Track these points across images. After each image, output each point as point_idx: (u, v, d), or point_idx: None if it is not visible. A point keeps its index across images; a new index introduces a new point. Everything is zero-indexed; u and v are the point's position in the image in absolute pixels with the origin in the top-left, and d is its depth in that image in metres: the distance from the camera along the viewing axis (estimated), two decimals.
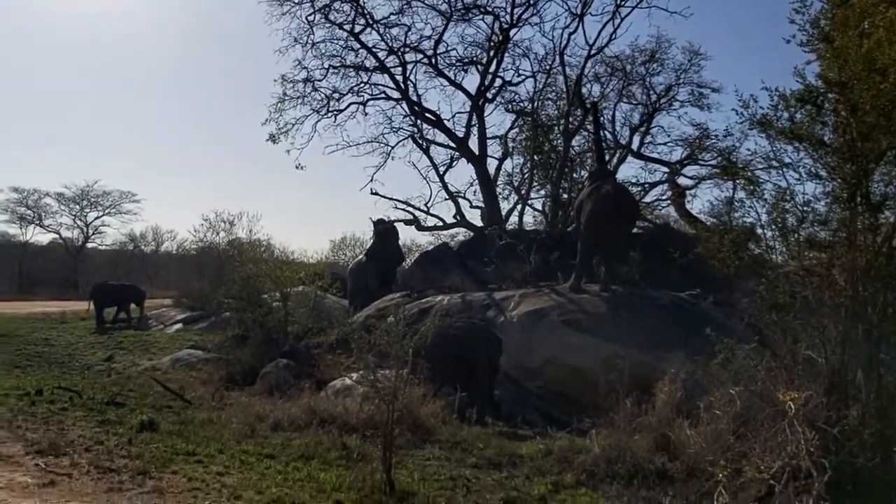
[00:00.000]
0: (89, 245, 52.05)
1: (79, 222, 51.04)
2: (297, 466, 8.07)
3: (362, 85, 26.83)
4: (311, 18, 25.39)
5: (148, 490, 6.98)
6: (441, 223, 27.53)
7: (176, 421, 10.28)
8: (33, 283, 43.66)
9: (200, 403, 11.94)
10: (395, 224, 25.45)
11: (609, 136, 26.23)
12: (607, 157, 24.02)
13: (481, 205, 26.51)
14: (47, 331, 22.42)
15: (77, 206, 50.39)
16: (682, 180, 25.49)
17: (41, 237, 50.73)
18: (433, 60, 26.41)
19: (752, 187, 10.55)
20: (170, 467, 7.76)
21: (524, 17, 25.76)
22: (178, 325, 23.98)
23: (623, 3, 23.85)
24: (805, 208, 9.11)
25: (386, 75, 26.51)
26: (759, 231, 10.57)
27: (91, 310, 24.74)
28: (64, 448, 8.30)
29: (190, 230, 64.65)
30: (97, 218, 51.31)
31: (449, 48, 26.97)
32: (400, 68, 26.38)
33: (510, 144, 27.84)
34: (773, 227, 9.54)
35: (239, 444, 8.98)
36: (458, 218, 26.75)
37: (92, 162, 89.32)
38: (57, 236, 50.89)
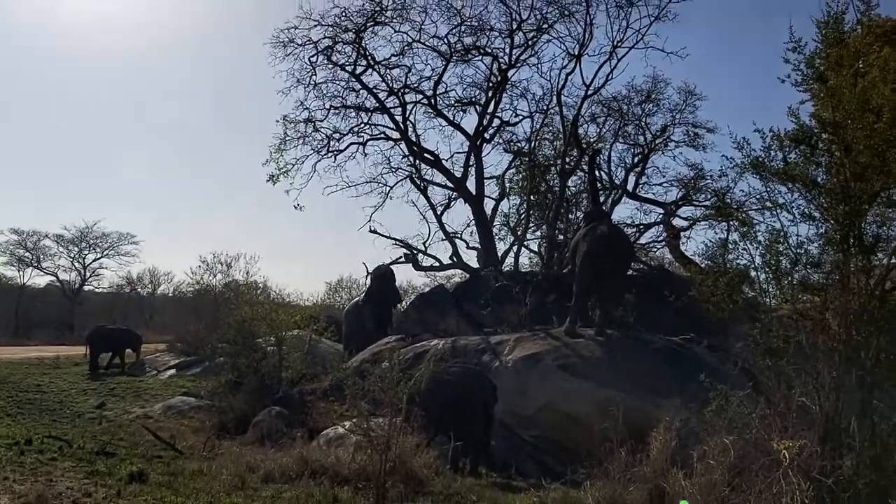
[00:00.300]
0: (86, 287, 51.91)
1: (77, 264, 51.03)
2: None
3: (362, 125, 27.15)
4: (313, 60, 25.81)
5: None
6: (438, 264, 27.58)
7: (166, 472, 10.15)
8: (29, 327, 43.47)
9: (191, 453, 11.81)
10: (393, 264, 25.55)
11: (604, 176, 26.40)
12: (602, 198, 24.15)
13: (478, 245, 26.60)
14: (40, 376, 22.19)
15: (76, 248, 50.41)
16: (676, 221, 25.55)
17: (38, 279, 50.70)
18: (432, 101, 26.76)
19: (745, 229, 10.55)
20: None
21: (522, 58, 26.23)
22: (172, 371, 23.80)
23: (619, 44, 24.28)
24: (798, 250, 9.10)
25: (386, 116, 26.83)
26: (753, 273, 10.55)
27: (87, 355, 24.60)
28: (51, 501, 8.19)
29: (187, 272, 64.57)
30: (95, 260, 51.30)
31: (448, 89, 27.41)
32: (400, 109, 26.74)
33: (507, 185, 28.08)
34: (767, 269, 9.53)
35: (229, 497, 8.87)
36: (455, 259, 26.83)
37: (91, 203, 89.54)
38: (54, 279, 50.83)
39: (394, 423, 8.25)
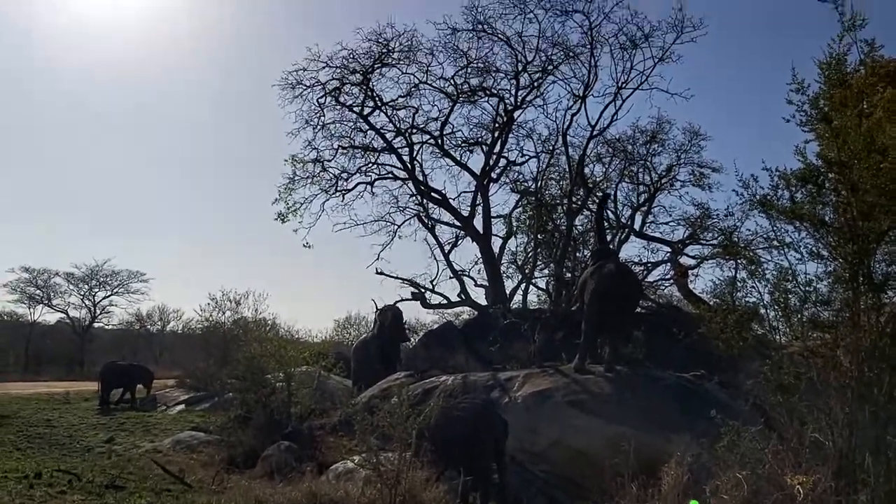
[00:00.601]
0: (96, 325, 52.04)
1: (87, 302, 51.17)
2: None
3: (370, 165, 27.37)
4: (321, 101, 26.11)
5: None
6: (446, 301, 27.62)
7: None
8: (39, 363, 43.51)
9: (200, 487, 11.80)
10: (400, 302, 25.62)
11: (611, 215, 26.50)
12: (609, 237, 24.24)
13: (486, 283, 26.61)
14: (50, 411, 22.24)
15: (86, 286, 50.66)
16: (684, 260, 25.58)
17: (49, 317, 50.82)
18: (439, 141, 27.00)
19: (753, 267, 10.59)
20: None
21: (528, 99, 26.49)
22: (181, 406, 23.83)
23: (624, 85, 24.53)
24: (807, 288, 9.12)
25: (393, 155, 27.06)
26: (763, 311, 10.57)
27: (99, 390, 24.69)
28: None
29: (196, 309, 64.62)
30: (105, 297, 51.48)
31: (455, 129, 27.64)
32: (407, 149, 26.99)
33: (514, 223, 28.18)
34: (776, 307, 9.55)
35: None
36: (463, 297, 26.85)
37: (100, 241, 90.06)
38: (64, 316, 50.98)
39: (403, 458, 8.24)
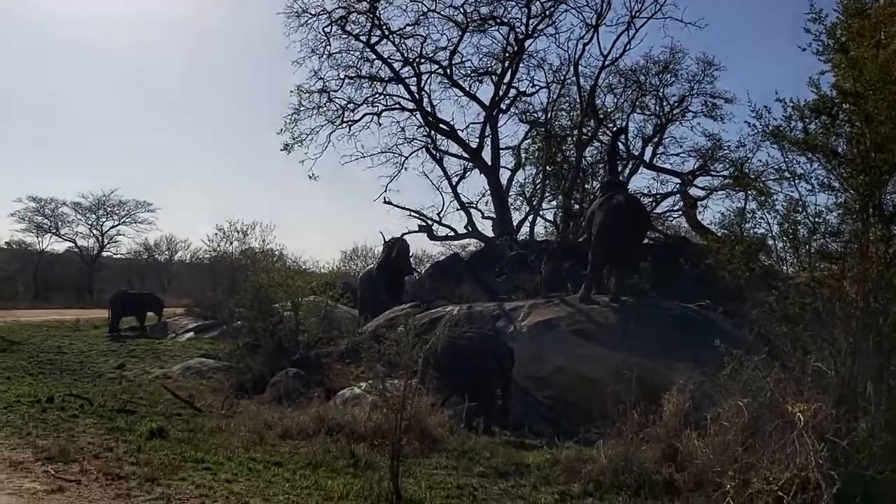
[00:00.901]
0: (104, 254, 52.49)
1: (94, 231, 51.54)
2: (304, 474, 8.09)
3: (377, 95, 27.03)
4: (327, 30, 25.63)
5: (156, 497, 7.02)
6: (453, 233, 27.64)
7: (185, 429, 10.33)
8: (49, 291, 43.96)
9: (210, 411, 11.98)
10: (407, 234, 25.63)
11: (622, 146, 26.20)
12: (619, 168, 24.03)
13: (493, 215, 26.56)
14: (60, 338, 22.57)
15: (93, 216, 50.91)
16: (693, 191, 25.42)
17: (57, 246, 51.24)
18: (448, 71, 26.55)
19: (763, 198, 10.49)
20: (178, 474, 7.80)
21: (539, 27, 25.93)
22: (190, 334, 24.13)
23: (638, 14, 23.97)
24: (817, 219, 9.06)
25: (401, 86, 26.70)
26: (771, 242, 10.52)
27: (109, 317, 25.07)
28: (73, 455, 8.35)
29: (204, 239, 65.01)
30: (113, 227, 51.81)
31: (464, 59, 27.20)
32: (415, 79, 26.60)
33: (523, 155, 27.95)
34: (785, 238, 9.50)
35: (247, 452, 9.00)
36: (470, 228, 26.82)
37: (108, 171, 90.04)
38: (73, 245, 51.40)
39: (409, 385, 8.33)
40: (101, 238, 51.63)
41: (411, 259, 24.46)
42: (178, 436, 9.77)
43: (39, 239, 49.73)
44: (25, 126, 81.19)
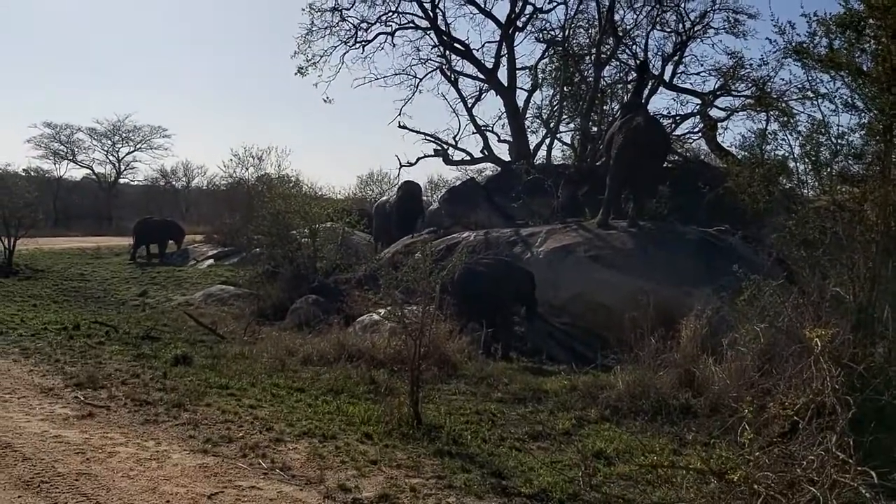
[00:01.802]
0: (122, 181, 52.68)
1: (111, 158, 51.64)
2: (326, 400, 8.28)
3: (390, 14, 26.27)
4: None
5: (183, 422, 7.22)
6: (469, 157, 27.34)
7: (209, 355, 10.54)
8: (68, 219, 44.27)
9: (232, 338, 12.19)
10: (422, 159, 25.51)
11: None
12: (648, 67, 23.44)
13: (509, 139, 26.20)
14: (82, 266, 22.89)
15: (109, 142, 50.93)
16: (714, 112, 24.88)
17: (75, 173, 51.41)
18: None
19: (785, 119, 10.30)
20: (203, 400, 8.01)
21: None
22: (210, 261, 24.35)
23: None
24: (839, 141, 8.91)
25: (414, 3, 25.95)
26: (792, 164, 10.38)
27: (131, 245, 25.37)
28: (101, 381, 8.58)
29: (220, 165, 64.95)
30: (129, 153, 51.89)
31: None
32: None
33: (540, 75, 27.27)
34: (806, 160, 9.36)
35: (270, 378, 9.19)
36: (486, 152, 26.50)
37: (122, 96, 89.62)
38: (90, 172, 51.54)
39: (427, 311, 8.41)
40: (117, 164, 51.81)
41: (421, 200, 24.21)
42: (202, 362, 9.98)
43: (56, 166, 49.96)
44: (37, 50, 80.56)
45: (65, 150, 49.63)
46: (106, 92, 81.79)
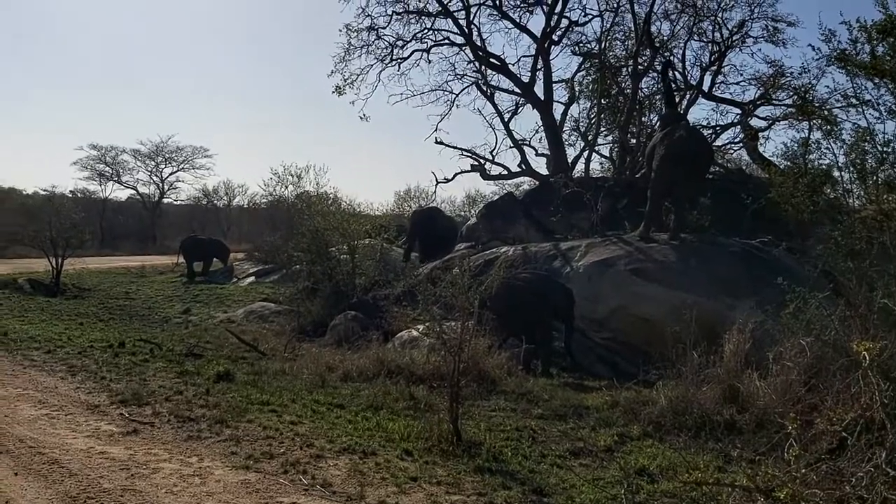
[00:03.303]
0: (165, 200, 53.76)
1: (154, 178, 52.67)
2: (366, 416, 8.28)
3: (426, 31, 26.50)
4: None
5: (225, 438, 7.28)
6: (506, 172, 27.33)
7: (250, 372, 10.64)
8: (114, 239, 45.20)
9: (273, 354, 12.29)
10: (459, 174, 25.58)
11: (678, 76, 25.33)
12: (677, 100, 23.31)
13: (547, 152, 26.16)
14: (127, 285, 23.35)
15: (152, 162, 51.97)
16: (754, 122, 24.54)
17: (120, 193, 52.59)
18: (497, 2, 25.88)
19: (829, 127, 10.14)
20: (245, 416, 8.07)
21: None
22: (251, 279, 24.68)
23: None
24: (885, 149, 8.75)
25: (449, 20, 26.12)
26: (836, 174, 10.21)
27: (180, 262, 25.84)
28: (146, 398, 8.71)
29: (260, 184, 65.94)
30: (172, 173, 52.90)
31: None
32: (463, 12, 25.97)
33: (577, 88, 27.26)
34: (851, 169, 9.22)
35: (310, 394, 9.25)
36: (524, 166, 26.48)
37: (164, 117, 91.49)
38: (134, 192, 52.66)
39: (466, 326, 8.38)
40: (161, 184, 52.84)
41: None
42: (243, 379, 10.07)
43: (102, 187, 51.13)
44: (80, 71, 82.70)
45: (110, 171, 50.87)
46: (149, 113, 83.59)
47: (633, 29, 24.60)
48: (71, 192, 46.66)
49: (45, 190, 42.50)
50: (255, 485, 5.97)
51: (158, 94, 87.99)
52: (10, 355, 11.28)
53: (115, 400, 8.64)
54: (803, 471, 4.94)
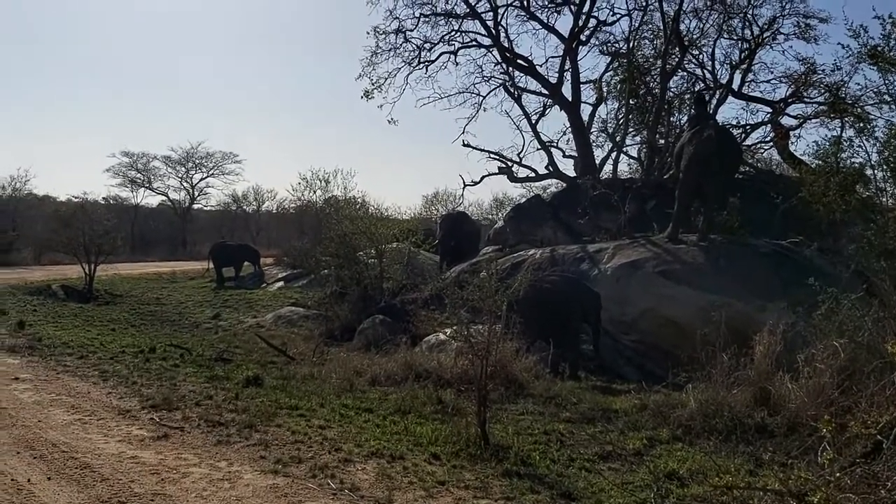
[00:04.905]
0: (195, 206, 54.29)
1: (185, 184, 53.22)
2: (394, 420, 8.29)
3: (453, 33, 26.42)
4: None
5: (254, 443, 7.32)
6: (534, 174, 27.20)
7: (279, 376, 10.70)
8: (146, 245, 45.79)
9: (302, 359, 12.36)
10: (487, 177, 25.52)
11: (708, 75, 25.06)
12: (706, 98, 23.09)
13: (574, 154, 25.99)
14: (159, 290, 23.63)
15: (183, 169, 52.52)
16: (785, 120, 24.19)
17: (151, 199, 53.23)
18: (525, 2, 25.80)
19: (861, 125, 9.99)
20: (274, 421, 8.11)
21: None
22: (280, 283, 24.83)
23: None
24: None
25: (477, 21, 26.05)
26: (869, 172, 10.03)
27: (210, 268, 26.06)
28: (176, 403, 8.79)
29: (288, 189, 66.47)
30: (202, 179, 53.38)
31: None
32: (491, 13, 25.87)
33: (605, 89, 27.03)
34: (885, 166, 9.06)
35: (339, 399, 9.28)
36: (551, 168, 26.31)
37: (194, 124, 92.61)
38: (165, 198, 53.28)
39: (493, 330, 8.36)
40: (191, 190, 53.40)
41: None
42: (272, 383, 10.14)
43: (134, 193, 51.81)
44: (111, 76, 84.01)
45: (141, 177, 51.46)
46: (181, 118, 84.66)
47: (661, 28, 24.39)
48: (103, 198, 47.51)
49: (77, 197, 43.17)
50: (284, 489, 6.01)
51: (189, 99, 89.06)
52: (44, 361, 11.48)
53: (146, 405, 8.74)
54: (837, 475, 4.86)
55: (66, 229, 22.97)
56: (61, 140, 78.61)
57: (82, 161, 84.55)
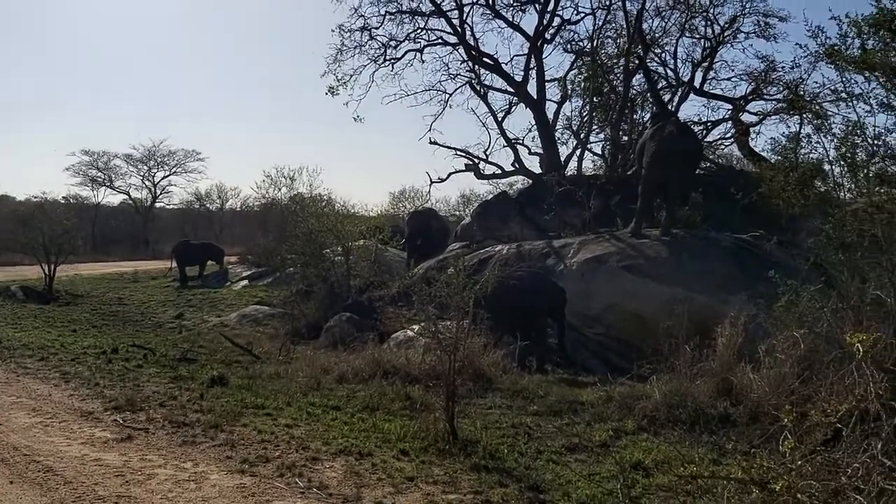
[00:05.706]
0: (157, 205, 53.62)
1: (147, 182, 52.57)
2: (362, 417, 8.27)
3: (419, 31, 26.38)
4: None
5: (220, 443, 7.26)
6: (500, 171, 27.32)
7: (245, 375, 10.60)
8: (107, 244, 45.04)
9: (268, 358, 12.26)
10: (454, 174, 25.53)
11: (670, 73, 25.36)
12: (668, 96, 23.35)
13: (540, 151, 26.14)
14: (120, 290, 23.30)
15: (145, 167, 51.86)
16: (745, 117, 24.56)
17: (112, 198, 52.45)
18: (490, 1, 25.84)
19: (819, 121, 10.17)
20: (240, 420, 8.04)
21: None
22: (244, 282, 24.63)
23: None
24: (876, 142, 8.77)
25: (442, 19, 26.04)
26: (827, 167, 10.22)
27: (173, 267, 25.72)
28: (140, 404, 8.67)
29: (252, 187, 65.85)
30: (164, 177, 52.79)
31: None
32: (456, 11, 25.89)
33: (569, 87, 27.20)
34: (842, 162, 9.22)
35: (305, 397, 9.22)
36: (517, 165, 26.45)
37: (155, 121, 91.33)
38: (127, 197, 52.54)
39: (461, 326, 8.38)
40: (153, 189, 52.74)
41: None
42: (238, 383, 10.03)
43: (94, 192, 51.00)
44: (70, 78, 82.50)
45: (102, 176, 50.72)
46: (141, 116, 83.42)
47: (624, 27, 24.61)
48: (63, 198, 46.59)
49: (36, 196, 42.33)
50: (251, 489, 5.96)
51: (150, 97, 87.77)
52: (4, 363, 11.24)
53: (109, 406, 8.60)
54: (798, 462, 4.95)
55: (25, 229, 22.56)
56: (19, 139, 77.01)
57: (41, 160, 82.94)
